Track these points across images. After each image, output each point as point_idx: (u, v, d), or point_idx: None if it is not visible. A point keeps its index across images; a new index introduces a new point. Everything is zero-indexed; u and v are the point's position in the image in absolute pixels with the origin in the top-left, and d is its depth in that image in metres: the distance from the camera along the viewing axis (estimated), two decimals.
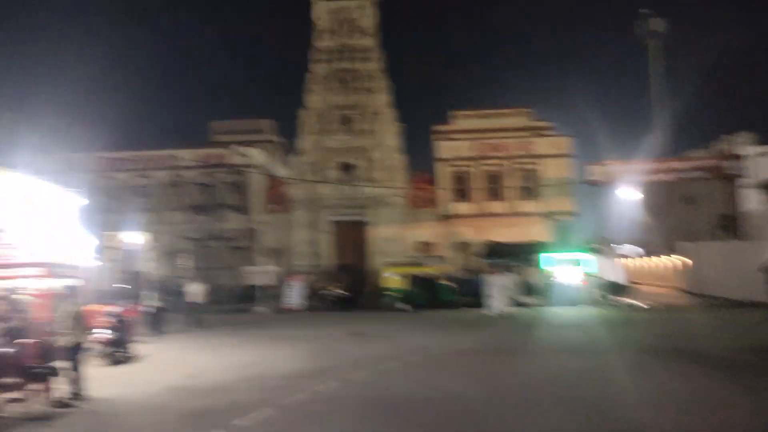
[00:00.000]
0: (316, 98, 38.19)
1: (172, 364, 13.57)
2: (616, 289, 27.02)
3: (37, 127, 36.53)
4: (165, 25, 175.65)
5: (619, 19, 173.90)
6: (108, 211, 38.32)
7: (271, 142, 44.33)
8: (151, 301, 18.12)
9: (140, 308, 17.96)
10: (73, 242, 15.20)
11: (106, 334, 13.32)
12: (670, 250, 40.36)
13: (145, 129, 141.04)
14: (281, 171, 44.03)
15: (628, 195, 46.31)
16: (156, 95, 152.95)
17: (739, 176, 28.82)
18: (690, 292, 32.28)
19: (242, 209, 34.64)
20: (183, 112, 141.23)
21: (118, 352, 13.60)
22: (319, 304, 28.92)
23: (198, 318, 19.36)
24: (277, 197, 35.85)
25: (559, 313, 24.00)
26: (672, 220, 42.58)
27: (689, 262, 33.38)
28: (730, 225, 31.89)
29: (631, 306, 26.09)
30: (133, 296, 18.70)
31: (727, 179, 31.67)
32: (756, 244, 27.66)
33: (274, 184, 38.88)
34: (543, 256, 29.21)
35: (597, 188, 33.25)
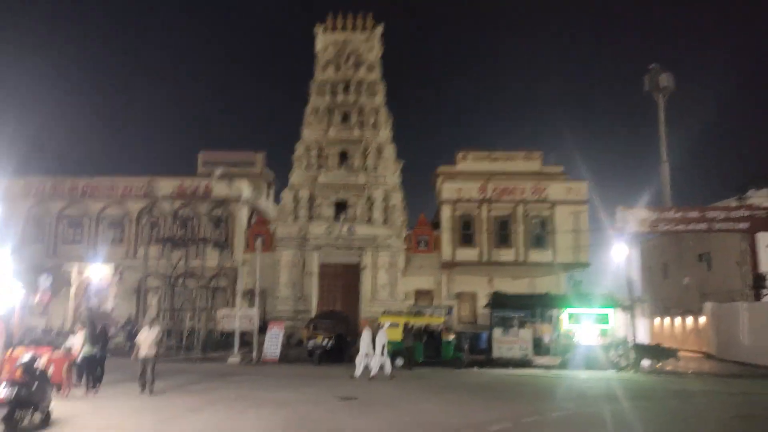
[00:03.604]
0: (314, 131, 35.53)
1: None
2: (647, 352, 23.55)
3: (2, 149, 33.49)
4: (155, 50, 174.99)
5: (630, 72, 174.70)
6: (74, 242, 34.94)
7: (260, 175, 41.20)
8: (86, 347, 14.30)
9: (70, 355, 14.24)
10: None
11: (7, 391, 9.66)
12: (687, 310, 37.08)
13: (129, 158, 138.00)
14: (268, 206, 40.81)
15: (640, 248, 43.44)
16: (145, 124, 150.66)
17: None
18: (719, 358, 28.88)
19: (223, 246, 31.15)
20: (173, 143, 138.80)
21: (23, 415, 9.93)
22: (303, 355, 25.21)
23: (146, 375, 14.59)
24: (262, 234, 32.42)
25: (582, 378, 20.44)
26: (686, 277, 39.39)
27: (717, 324, 30.08)
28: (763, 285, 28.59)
29: (659, 372, 22.62)
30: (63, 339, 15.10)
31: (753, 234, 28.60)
32: None
33: (260, 220, 35.60)
34: (558, 311, 25.90)
35: (616, 238, 30.08)
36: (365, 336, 19.54)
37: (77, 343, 14.50)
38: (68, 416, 11.47)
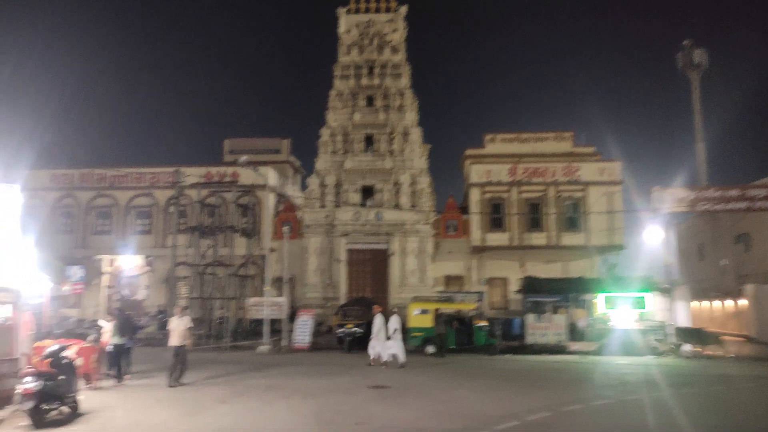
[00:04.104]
0: (339, 116, 35.03)
1: (121, 430, 9.66)
2: (690, 336, 22.77)
3: (31, 140, 33.73)
4: (180, 40, 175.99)
5: (664, 48, 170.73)
6: (103, 233, 35.12)
7: (286, 162, 40.94)
8: (115, 337, 14.17)
9: (99, 346, 14.09)
10: (6, 256, 11.56)
11: (32, 383, 9.46)
12: (725, 293, 36.04)
13: (155, 148, 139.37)
14: (295, 193, 40.60)
15: (674, 230, 42.20)
16: (170, 113, 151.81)
17: None
18: (760, 341, 27.96)
19: (251, 234, 30.92)
20: (197, 131, 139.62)
21: (49, 408, 9.73)
22: (333, 343, 24.96)
23: (175, 366, 14.13)
24: (290, 222, 32.17)
25: (619, 364, 19.81)
26: (723, 259, 38.18)
27: (758, 306, 29.08)
28: None
29: (699, 357, 21.84)
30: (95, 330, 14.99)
31: None
32: None
33: (287, 207, 35.36)
34: (593, 296, 25.19)
35: (650, 220, 29.15)
36: (377, 321, 19.12)
37: (106, 334, 14.40)
38: (96, 407, 11.30)
